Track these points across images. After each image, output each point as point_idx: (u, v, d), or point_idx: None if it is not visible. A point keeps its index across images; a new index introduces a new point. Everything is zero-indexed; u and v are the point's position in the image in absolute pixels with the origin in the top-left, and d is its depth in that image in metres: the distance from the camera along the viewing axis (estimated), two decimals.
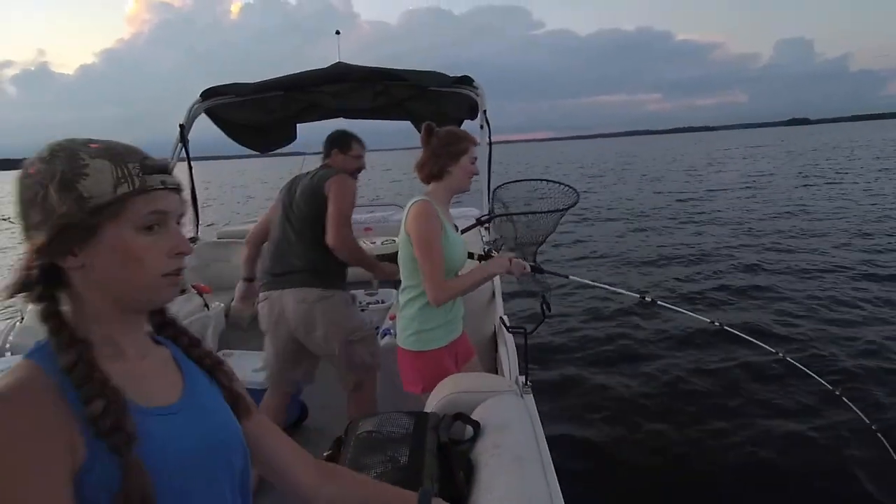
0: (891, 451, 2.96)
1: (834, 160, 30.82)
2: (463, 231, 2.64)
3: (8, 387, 0.72)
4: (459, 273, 2.16)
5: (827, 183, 20.02)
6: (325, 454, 1.50)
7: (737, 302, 7.07)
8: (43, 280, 0.81)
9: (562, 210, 2.45)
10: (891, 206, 13.74)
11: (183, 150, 3.94)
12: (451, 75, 4.27)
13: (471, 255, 2.47)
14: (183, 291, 3.16)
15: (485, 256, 2.55)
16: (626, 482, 3.52)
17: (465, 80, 4.23)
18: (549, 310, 2.18)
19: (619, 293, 2.79)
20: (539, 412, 1.72)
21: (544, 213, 2.46)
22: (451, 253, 2.06)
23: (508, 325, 2.50)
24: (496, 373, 2.48)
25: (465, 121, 4.60)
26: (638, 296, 2.65)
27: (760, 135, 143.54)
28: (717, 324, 2.78)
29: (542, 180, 2.68)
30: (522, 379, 1.87)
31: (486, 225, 2.91)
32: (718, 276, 8.33)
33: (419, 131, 2.26)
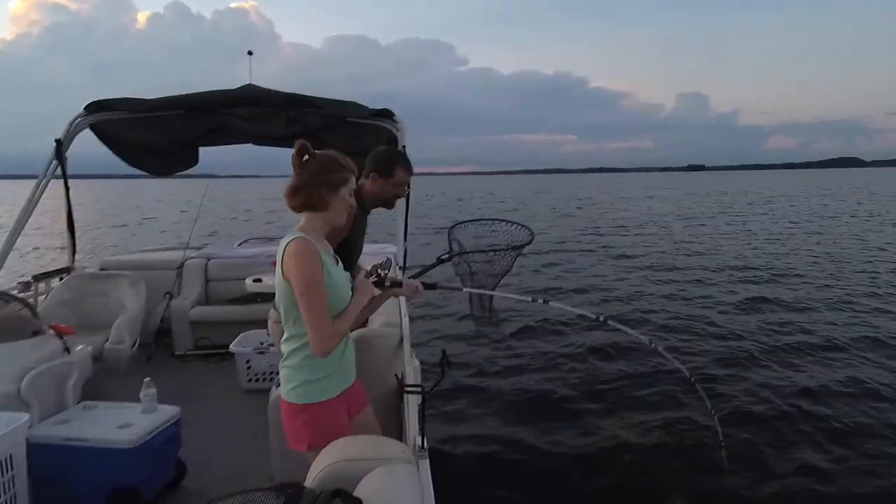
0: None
1: (725, 204, 36.50)
2: (421, 272, 2.55)
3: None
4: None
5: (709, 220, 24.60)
6: None
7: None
8: None
9: (519, 247, 2.56)
10: (763, 242, 16.71)
11: (59, 167, 3.51)
12: (371, 107, 4.13)
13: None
14: (36, 332, 2.73)
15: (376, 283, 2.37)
16: None
17: (385, 113, 4.10)
18: (450, 366, 1.98)
19: (514, 298, 2.75)
20: (441, 479, 1.59)
21: (502, 250, 2.55)
22: (336, 293, 1.86)
23: (406, 382, 2.29)
24: (400, 432, 2.26)
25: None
26: (530, 299, 2.65)
27: (663, 178, 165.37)
28: (601, 318, 2.80)
29: (497, 220, 2.73)
30: (420, 442, 1.69)
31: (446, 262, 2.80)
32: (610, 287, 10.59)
33: None
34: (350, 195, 1.94)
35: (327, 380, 1.88)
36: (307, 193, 1.87)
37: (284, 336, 1.88)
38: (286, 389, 1.87)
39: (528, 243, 2.63)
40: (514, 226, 2.69)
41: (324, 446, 1.71)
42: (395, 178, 2.65)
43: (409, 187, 2.77)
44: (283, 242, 1.83)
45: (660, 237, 18.74)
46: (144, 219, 30.33)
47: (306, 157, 1.87)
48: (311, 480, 1.50)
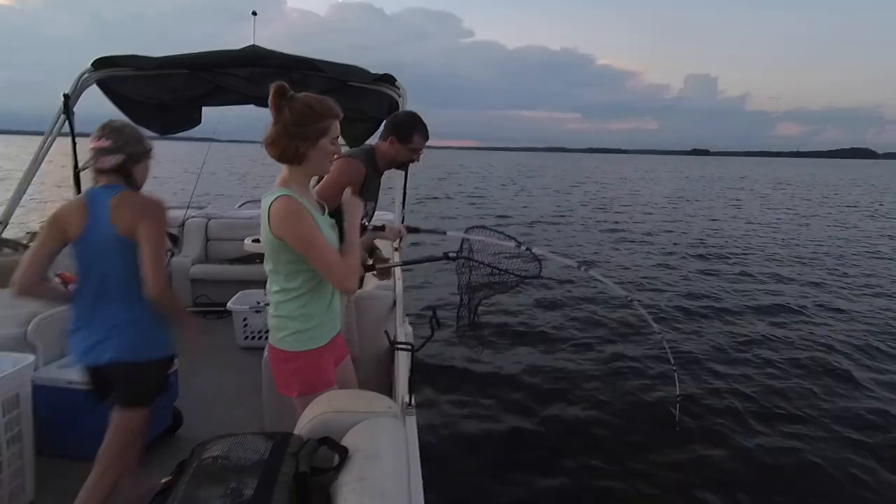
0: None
1: (730, 189, 36.36)
2: (423, 260, 2.63)
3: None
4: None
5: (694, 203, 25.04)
6: (163, 481, 1.29)
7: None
8: None
9: (526, 277, 2.62)
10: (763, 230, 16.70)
11: (66, 123, 3.55)
12: (373, 72, 4.14)
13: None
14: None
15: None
16: None
17: (387, 79, 4.10)
18: (439, 326, 2.05)
19: (502, 244, 2.78)
20: (427, 436, 1.60)
21: (511, 275, 2.62)
22: (328, 240, 1.85)
23: (396, 341, 2.36)
24: (390, 390, 2.34)
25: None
26: (524, 246, 2.74)
27: (665, 161, 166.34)
28: (583, 269, 3.00)
29: (515, 241, 2.74)
30: (407, 399, 1.74)
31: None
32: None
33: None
34: (333, 143, 1.84)
35: (317, 329, 1.91)
36: (283, 146, 1.79)
37: (275, 288, 1.89)
38: (277, 337, 1.91)
39: (536, 276, 2.66)
40: (527, 250, 2.71)
41: (312, 393, 1.78)
42: (413, 143, 2.72)
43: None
44: (267, 200, 1.78)
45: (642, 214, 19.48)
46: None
47: (285, 101, 1.76)
48: (299, 429, 1.55)
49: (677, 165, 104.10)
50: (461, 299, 2.86)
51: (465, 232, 2.78)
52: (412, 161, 2.80)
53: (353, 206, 1.97)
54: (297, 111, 1.77)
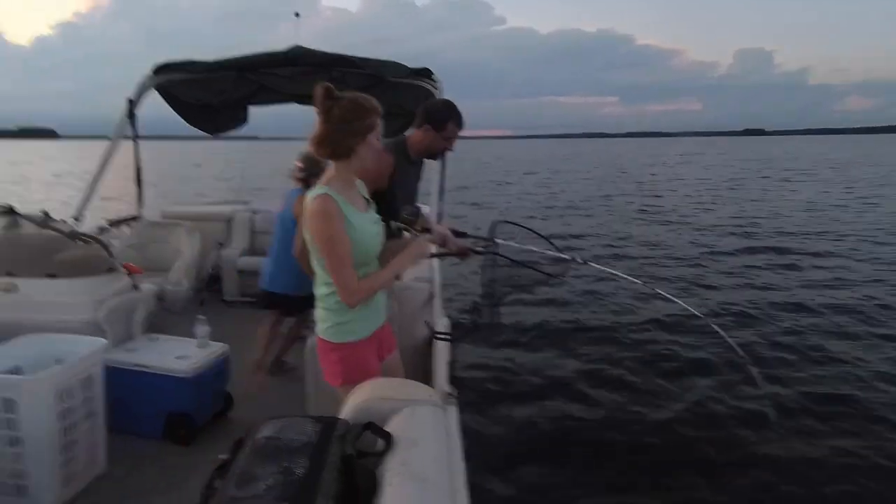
0: None
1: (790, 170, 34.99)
2: (446, 254, 2.51)
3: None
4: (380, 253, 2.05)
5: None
6: (220, 458, 1.41)
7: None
8: None
9: (550, 275, 2.61)
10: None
11: (129, 125, 3.81)
12: (409, 66, 4.21)
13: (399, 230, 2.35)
14: (111, 269, 3.07)
15: (405, 227, 2.38)
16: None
17: (424, 73, 4.16)
18: (480, 317, 2.12)
19: (553, 255, 2.78)
20: (467, 426, 1.65)
21: (537, 271, 2.59)
22: (362, 243, 1.89)
23: (436, 331, 2.44)
24: (429, 381, 2.45)
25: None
26: (569, 258, 2.73)
27: (708, 143, 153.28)
28: (642, 282, 3.00)
29: (546, 239, 2.76)
30: (448, 388, 1.80)
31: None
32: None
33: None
34: (377, 139, 1.90)
35: (356, 322, 1.98)
36: (334, 143, 1.84)
37: (319, 282, 1.96)
38: (321, 328, 2.00)
39: (560, 276, 2.65)
40: (554, 252, 2.68)
41: (355, 384, 1.80)
42: (447, 131, 2.67)
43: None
44: (308, 197, 1.85)
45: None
46: (194, 176, 31.07)
47: (331, 102, 1.81)
48: (344, 414, 1.61)
49: (724, 146, 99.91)
50: (484, 294, 2.87)
51: (493, 225, 2.79)
52: (446, 150, 2.77)
53: (415, 251, 2.01)
54: (346, 108, 1.82)
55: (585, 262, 2.71)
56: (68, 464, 2.37)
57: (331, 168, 1.93)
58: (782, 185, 24.90)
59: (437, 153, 2.78)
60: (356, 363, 1.98)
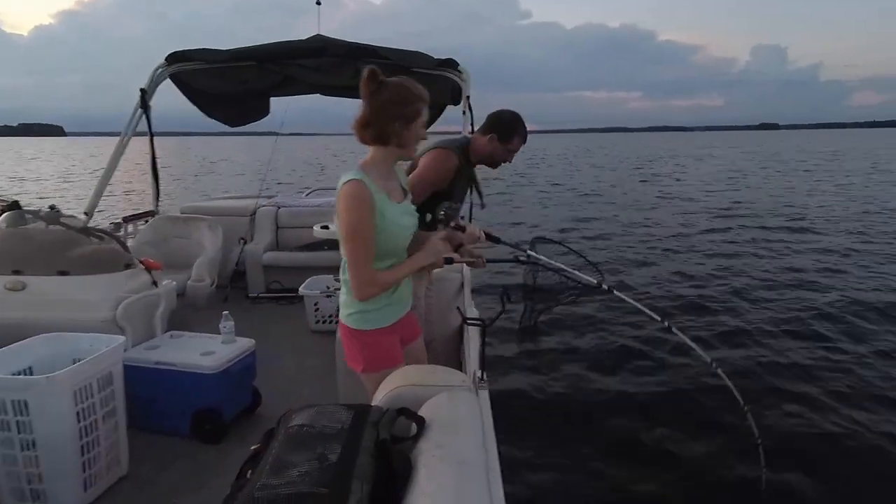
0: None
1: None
2: (460, 261, 2.44)
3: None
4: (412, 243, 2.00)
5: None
6: (252, 448, 1.33)
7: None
8: None
9: (587, 287, 2.72)
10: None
11: (144, 116, 3.74)
12: (436, 57, 4.15)
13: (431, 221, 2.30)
14: (128, 266, 2.98)
15: (441, 220, 2.32)
16: (581, 490, 3.41)
17: (450, 63, 4.11)
18: (510, 300, 2.03)
19: (580, 277, 2.78)
20: (498, 411, 1.61)
21: (575, 281, 2.69)
22: (389, 236, 1.84)
23: (467, 317, 2.36)
24: (460, 367, 2.35)
25: (448, 106, 4.48)
26: (595, 281, 2.74)
27: (736, 137, 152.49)
28: (665, 323, 2.95)
29: (579, 255, 2.88)
30: (479, 374, 1.75)
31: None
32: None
33: None
34: (423, 127, 1.86)
35: (380, 311, 1.94)
36: (380, 126, 1.79)
37: (344, 266, 1.91)
38: (344, 314, 1.98)
39: (596, 287, 2.70)
40: (588, 266, 2.79)
41: (377, 371, 1.83)
42: (512, 144, 2.68)
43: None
44: (341, 181, 1.80)
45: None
46: (215, 171, 31.60)
47: (378, 85, 1.77)
48: (376, 402, 1.58)
49: (739, 141, 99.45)
50: (524, 305, 2.94)
51: (534, 241, 2.85)
52: (506, 161, 2.76)
53: (431, 250, 1.95)
54: (395, 90, 1.78)
55: (611, 290, 2.75)
56: (88, 466, 2.28)
57: (369, 153, 1.88)
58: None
59: (497, 163, 2.75)
60: (379, 351, 1.96)
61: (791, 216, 13.95)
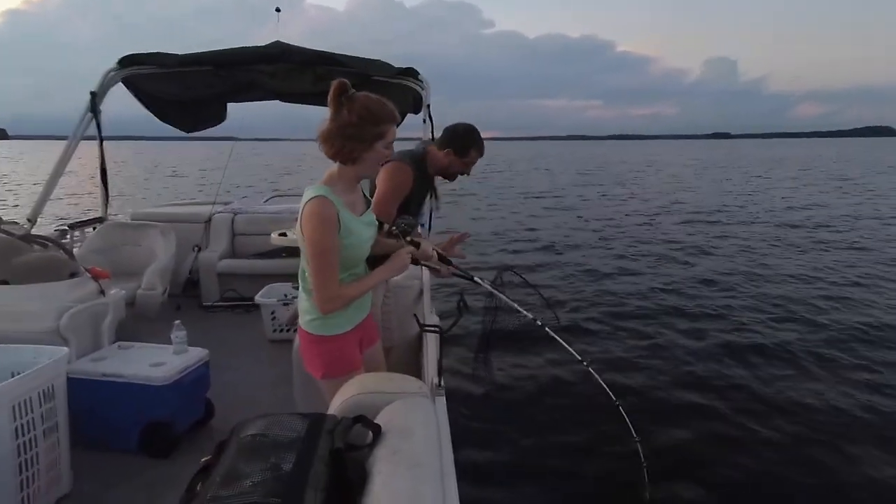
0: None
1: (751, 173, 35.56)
2: (426, 265, 2.48)
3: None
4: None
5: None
6: (203, 460, 1.29)
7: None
8: None
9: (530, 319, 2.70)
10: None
11: (93, 120, 3.61)
12: (396, 66, 4.15)
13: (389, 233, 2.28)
14: (73, 274, 2.86)
15: (396, 235, 2.29)
16: (534, 488, 3.47)
17: (410, 72, 4.12)
18: (467, 308, 2.04)
19: (523, 314, 2.74)
20: (455, 417, 1.63)
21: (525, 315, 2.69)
22: (353, 249, 1.86)
23: (425, 323, 2.35)
24: (419, 374, 2.34)
25: (408, 115, 4.48)
26: (533, 318, 2.73)
27: (688, 146, 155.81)
28: (538, 323, 2.85)
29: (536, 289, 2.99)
30: (437, 380, 1.76)
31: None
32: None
33: None
34: (388, 147, 1.84)
35: (340, 316, 1.92)
36: (339, 145, 1.77)
37: (305, 275, 1.91)
38: (304, 320, 1.95)
39: (533, 321, 2.73)
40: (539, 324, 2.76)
41: (337, 376, 1.82)
42: (469, 157, 2.68)
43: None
44: (306, 196, 1.79)
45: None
46: (171, 176, 30.75)
47: (345, 100, 1.73)
48: (333, 410, 1.57)
49: (689, 150, 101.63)
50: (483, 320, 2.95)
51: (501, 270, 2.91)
52: (463, 174, 2.77)
53: (396, 264, 1.96)
54: (358, 112, 1.74)
55: (543, 326, 2.74)
56: (26, 485, 2.16)
57: (335, 167, 1.86)
58: None
59: (454, 175, 2.76)
60: (339, 356, 1.96)
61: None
